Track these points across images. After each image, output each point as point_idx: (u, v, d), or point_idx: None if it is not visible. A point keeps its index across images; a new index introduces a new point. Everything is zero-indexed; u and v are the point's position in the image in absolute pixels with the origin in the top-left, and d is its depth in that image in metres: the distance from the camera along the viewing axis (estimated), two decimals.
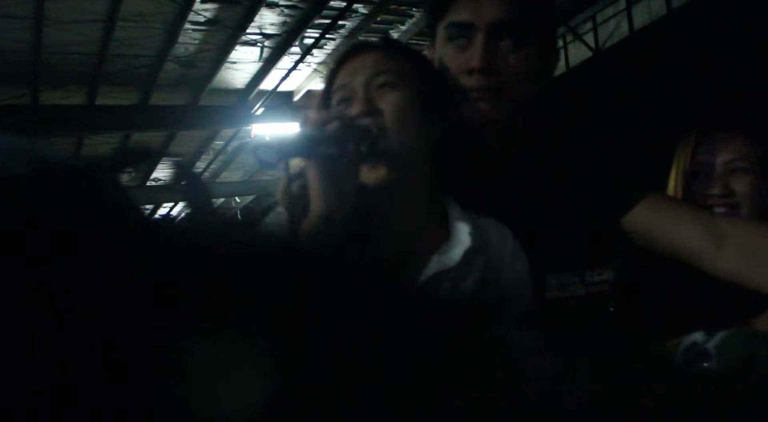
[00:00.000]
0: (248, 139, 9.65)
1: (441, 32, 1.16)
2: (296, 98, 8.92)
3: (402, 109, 1.01)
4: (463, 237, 1.03)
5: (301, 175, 0.93)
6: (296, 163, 0.94)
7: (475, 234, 1.04)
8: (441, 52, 1.16)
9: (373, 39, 1.26)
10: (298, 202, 0.93)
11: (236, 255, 0.30)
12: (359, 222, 0.97)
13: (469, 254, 1.02)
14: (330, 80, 1.08)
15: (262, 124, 8.78)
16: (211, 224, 0.35)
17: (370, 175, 1.00)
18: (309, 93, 8.52)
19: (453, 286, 0.99)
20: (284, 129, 8.85)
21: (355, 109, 1.01)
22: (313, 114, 0.99)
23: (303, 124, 0.96)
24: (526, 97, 1.16)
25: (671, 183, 1.38)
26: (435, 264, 1.01)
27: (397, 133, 1.00)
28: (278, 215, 1.01)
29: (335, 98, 1.06)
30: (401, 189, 1.03)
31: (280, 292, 0.29)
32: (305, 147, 0.92)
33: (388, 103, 1.01)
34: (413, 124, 1.03)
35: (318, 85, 8.57)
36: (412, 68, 1.07)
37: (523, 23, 1.12)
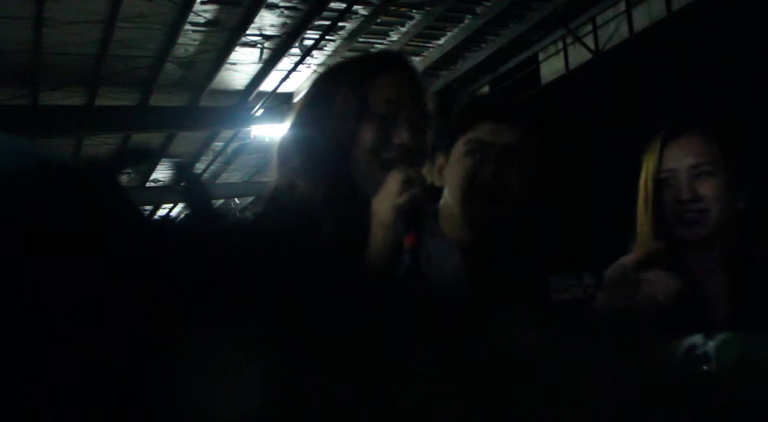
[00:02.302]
0: (249, 140, 9.66)
1: (461, 146, 1.27)
2: (296, 99, 8.92)
3: (429, 142, 1.12)
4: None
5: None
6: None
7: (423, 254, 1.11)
8: (458, 160, 1.28)
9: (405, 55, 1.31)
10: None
11: (236, 254, 0.30)
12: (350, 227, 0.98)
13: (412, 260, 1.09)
14: (365, 82, 1.11)
15: (262, 125, 8.78)
16: (210, 225, 0.35)
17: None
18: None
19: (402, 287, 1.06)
20: (284, 130, 8.84)
21: (404, 137, 1.05)
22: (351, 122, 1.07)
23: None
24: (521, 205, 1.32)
25: (641, 192, 1.39)
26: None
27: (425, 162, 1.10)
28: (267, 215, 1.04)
29: (377, 111, 1.08)
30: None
31: (279, 291, 0.29)
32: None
33: (423, 134, 1.10)
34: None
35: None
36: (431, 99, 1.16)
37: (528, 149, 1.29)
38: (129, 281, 0.27)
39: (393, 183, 0.97)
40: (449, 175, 1.26)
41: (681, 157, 1.35)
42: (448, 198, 1.28)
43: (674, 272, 1.34)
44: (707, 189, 1.33)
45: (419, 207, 0.97)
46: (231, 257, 0.30)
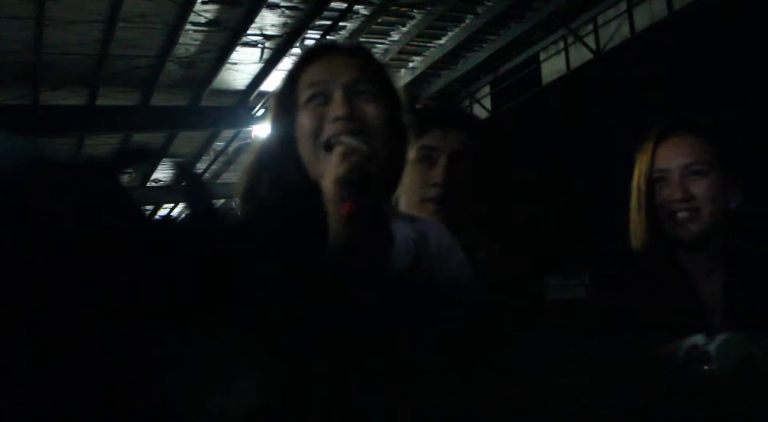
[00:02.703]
0: (250, 140, 9.66)
1: (413, 153, 1.28)
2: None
3: (382, 120, 1.04)
4: (408, 246, 1.08)
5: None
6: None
7: (418, 240, 1.09)
8: (410, 167, 1.29)
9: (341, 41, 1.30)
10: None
11: (237, 254, 0.30)
12: (311, 220, 0.97)
13: (415, 260, 1.07)
14: (296, 74, 1.09)
15: (263, 125, 8.78)
16: (211, 224, 0.35)
17: (329, 175, 1.00)
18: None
19: (397, 290, 1.03)
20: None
21: (336, 111, 1.02)
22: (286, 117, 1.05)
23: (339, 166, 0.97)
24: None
25: (633, 192, 1.40)
26: (388, 269, 1.04)
27: (376, 142, 1.02)
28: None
29: (305, 94, 1.06)
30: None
31: (281, 291, 0.29)
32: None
33: (371, 111, 1.04)
34: (386, 134, 1.05)
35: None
36: (383, 79, 1.11)
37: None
38: (130, 280, 0.26)
39: (333, 155, 0.96)
40: (403, 181, 1.29)
41: (673, 157, 1.36)
42: (403, 202, 1.34)
43: (668, 272, 1.34)
44: (699, 188, 1.33)
45: (363, 175, 0.96)
46: (230, 256, 0.30)
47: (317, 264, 0.37)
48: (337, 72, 1.05)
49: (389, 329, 0.32)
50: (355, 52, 1.12)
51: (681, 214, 1.33)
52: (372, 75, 1.08)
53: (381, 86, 1.08)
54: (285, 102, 1.07)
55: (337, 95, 1.03)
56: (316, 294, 0.31)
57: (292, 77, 1.09)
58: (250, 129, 8.94)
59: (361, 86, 1.04)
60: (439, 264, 1.11)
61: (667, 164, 1.36)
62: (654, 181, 1.37)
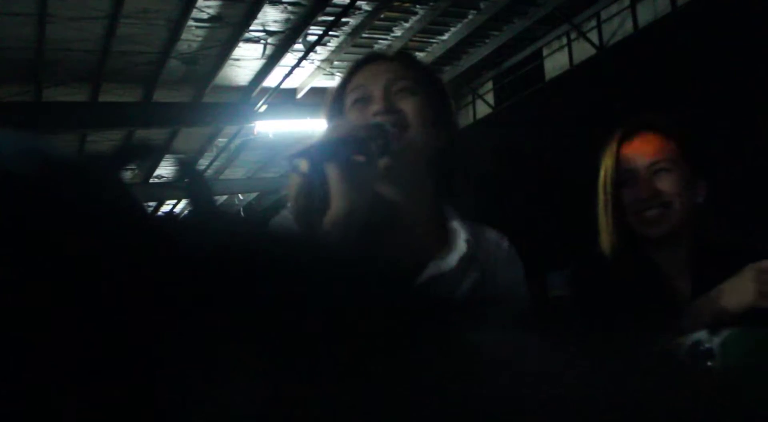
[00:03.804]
0: (252, 137, 9.66)
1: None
2: (300, 95, 8.92)
3: (420, 111, 1.09)
4: (460, 245, 1.08)
5: (319, 176, 0.94)
6: (309, 165, 0.94)
7: (472, 242, 1.10)
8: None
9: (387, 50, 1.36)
10: (314, 203, 0.94)
11: (239, 252, 0.30)
12: (369, 223, 0.98)
13: (464, 261, 1.08)
14: (345, 82, 1.16)
15: (265, 121, 8.78)
16: (214, 221, 0.35)
17: (383, 174, 1.03)
18: (321, 91, 8.53)
19: (449, 290, 1.04)
20: (288, 126, 8.86)
21: (375, 108, 1.08)
22: (336, 120, 1.10)
23: (327, 129, 1.00)
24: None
25: (600, 194, 1.40)
26: (432, 269, 1.05)
27: (415, 131, 1.07)
28: (284, 218, 1.05)
29: (350, 98, 1.13)
30: (408, 192, 1.09)
31: (284, 291, 0.29)
32: (330, 150, 0.94)
33: (408, 104, 1.09)
34: (427, 125, 1.10)
35: (325, 83, 8.58)
36: (425, 79, 1.16)
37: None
38: (130, 278, 0.26)
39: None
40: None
41: (637, 157, 1.36)
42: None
43: (640, 272, 1.34)
44: (666, 184, 1.34)
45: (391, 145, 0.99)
46: (234, 254, 0.30)
47: (372, 263, 0.37)
48: (378, 75, 1.12)
49: (424, 322, 0.32)
50: (397, 57, 1.19)
51: (649, 213, 1.34)
52: (412, 74, 1.13)
53: (421, 84, 1.13)
54: (335, 110, 1.15)
55: (377, 94, 1.09)
56: (356, 287, 0.31)
57: (341, 87, 1.16)
58: (252, 125, 8.94)
59: (399, 84, 1.11)
60: (492, 271, 1.12)
61: (632, 164, 1.36)
62: (620, 182, 1.37)
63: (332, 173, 0.93)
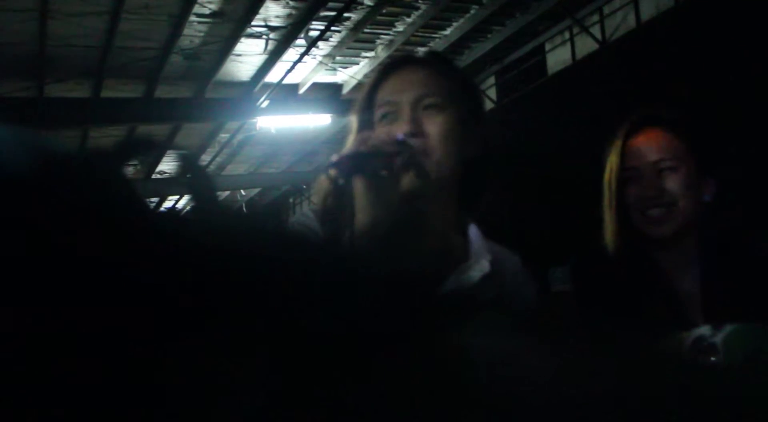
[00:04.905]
0: (255, 132, 9.66)
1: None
2: (302, 90, 8.92)
3: (447, 133, 1.07)
4: (483, 263, 1.08)
5: (347, 187, 0.95)
6: (339, 174, 0.96)
7: (494, 262, 1.09)
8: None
9: (419, 53, 1.32)
10: (340, 212, 0.96)
11: (240, 248, 0.30)
12: (390, 235, 0.99)
13: (486, 279, 1.07)
14: (375, 87, 1.14)
15: (268, 117, 8.78)
16: (215, 217, 0.35)
17: (406, 190, 1.03)
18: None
19: (467, 304, 1.03)
20: (290, 121, 8.86)
21: (401, 129, 1.05)
22: (363, 131, 1.07)
23: (354, 141, 1.01)
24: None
25: (605, 191, 1.38)
26: (452, 282, 1.04)
27: (440, 155, 1.06)
28: (306, 217, 1.06)
29: (379, 112, 1.11)
30: (433, 205, 1.08)
31: (287, 289, 0.29)
32: (356, 163, 0.96)
33: (435, 125, 1.07)
34: (454, 145, 1.08)
35: (328, 78, 8.57)
36: (457, 88, 1.13)
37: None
38: (132, 274, 0.26)
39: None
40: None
41: (643, 154, 1.34)
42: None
43: (642, 270, 1.33)
44: (671, 183, 1.32)
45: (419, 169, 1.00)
46: (240, 251, 0.30)
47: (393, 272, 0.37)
48: (406, 89, 1.10)
49: (441, 330, 0.32)
50: (429, 61, 1.16)
51: (654, 212, 1.32)
52: (443, 85, 1.11)
53: (452, 97, 1.11)
54: (364, 117, 1.13)
55: (404, 113, 1.08)
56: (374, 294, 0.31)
57: (370, 94, 1.14)
58: (254, 120, 8.94)
59: (428, 100, 1.09)
60: (509, 293, 1.12)
61: (637, 161, 1.35)
62: (625, 179, 1.36)
63: (357, 185, 0.95)
